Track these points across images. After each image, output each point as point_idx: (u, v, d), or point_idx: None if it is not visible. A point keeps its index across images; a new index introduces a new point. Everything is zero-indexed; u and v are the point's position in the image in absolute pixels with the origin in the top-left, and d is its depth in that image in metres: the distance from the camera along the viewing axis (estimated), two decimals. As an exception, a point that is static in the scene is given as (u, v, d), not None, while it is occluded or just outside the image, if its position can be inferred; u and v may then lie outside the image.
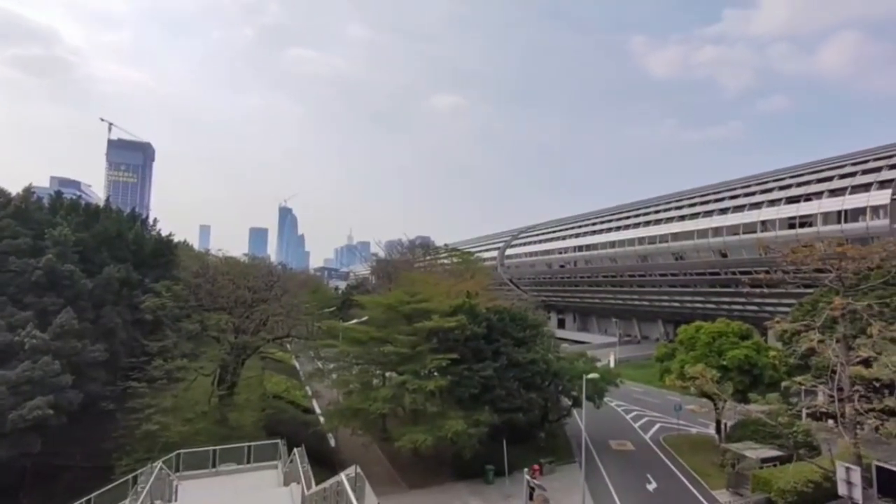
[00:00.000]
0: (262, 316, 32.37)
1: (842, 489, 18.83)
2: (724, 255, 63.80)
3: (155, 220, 36.44)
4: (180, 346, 27.10)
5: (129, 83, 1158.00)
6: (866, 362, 21.30)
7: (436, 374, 27.75)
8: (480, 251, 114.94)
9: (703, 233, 66.14)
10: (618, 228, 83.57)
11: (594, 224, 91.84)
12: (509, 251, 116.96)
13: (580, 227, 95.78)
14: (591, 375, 27.64)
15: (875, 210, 48.00)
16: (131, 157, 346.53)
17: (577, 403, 30.62)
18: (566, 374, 30.49)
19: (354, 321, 36.66)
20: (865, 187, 49.72)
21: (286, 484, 21.17)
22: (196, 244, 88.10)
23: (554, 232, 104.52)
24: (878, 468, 21.71)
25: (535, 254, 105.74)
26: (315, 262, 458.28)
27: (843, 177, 53.14)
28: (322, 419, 31.68)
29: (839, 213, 50.86)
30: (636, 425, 37.34)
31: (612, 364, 53.46)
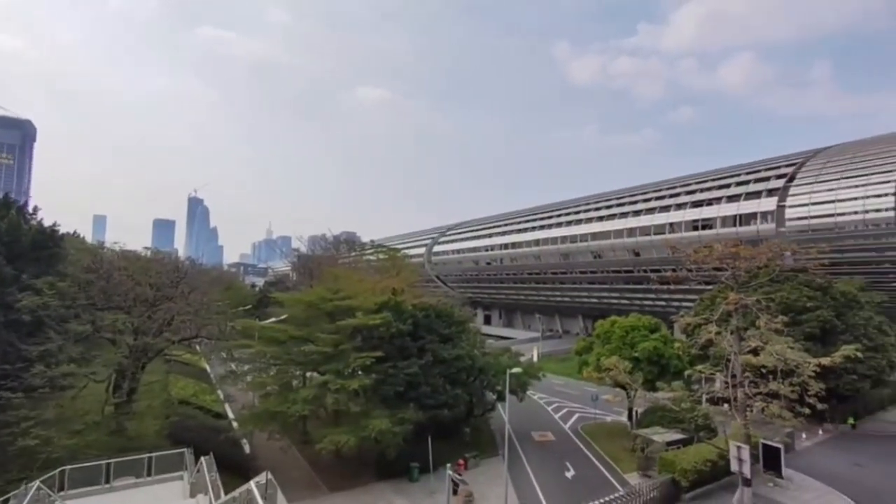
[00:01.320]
0: (167, 315, 29.84)
1: (734, 466, 21.07)
2: (637, 255, 69.01)
3: (35, 209, 32.01)
4: (66, 350, 24.16)
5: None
6: (755, 351, 24.00)
7: (360, 372, 27.19)
8: (408, 248, 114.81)
9: (618, 233, 71.01)
10: (542, 227, 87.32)
11: (520, 223, 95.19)
12: (437, 248, 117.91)
13: (507, 225, 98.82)
14: (515, 370, 28.57)
15: (764, 215, 54.30)
16: (6, 136, 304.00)
17: (501, 397, 31.49)
18: (491, 369, 31.25)
19: (272, 320, 34.99)
20: (757, 194, 56.09)
21: (192, 495, 19.72)
22: (89, 236, 79.11)
23: (481, 230, 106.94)
24: (764, 445, 24.56)
25: (463, 251, 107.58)
26: (230, 257, 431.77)
27: (738, 184, 59.55)
28: (235, 424, 29.88)
29: (735, 217, 56.94)
30: (557, 416, 39.22)
31: (535, 358, 55.79)
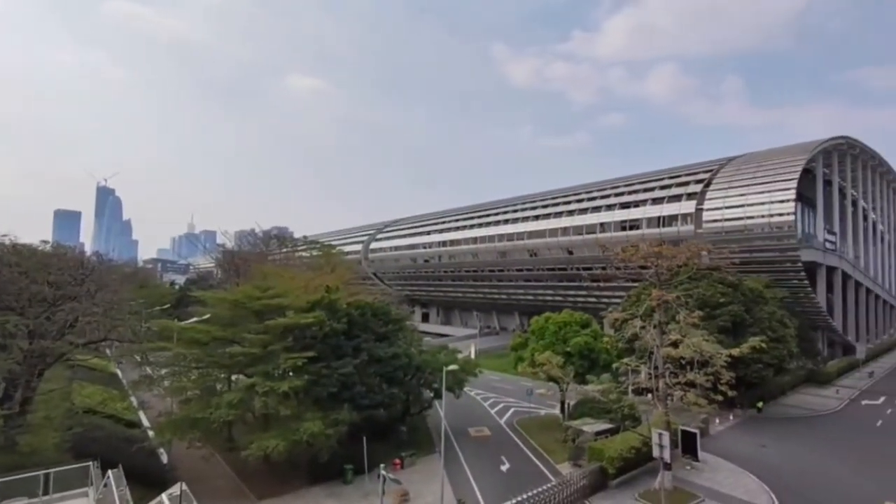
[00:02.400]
0: (69, 316, 27.09)
1: (655, 451, 22.58)
2: (571, 253, 72.09)
3: None
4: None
5: None
6: (675, 344, 25.87)
7: (291, 374, 26.25)
8: (343, 244, 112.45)
9: (553, 232, 73.80)
10: (479, 226, 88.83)
11: (458, 220, 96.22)
12: (374, 245, 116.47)
13: (445, 223, 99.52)
14: (452, 367, 28.82)
15: (685, 217, 58.61)
16: None
17: (438, 395, 31.65)
18: (428, 366, 31.31)
19: (194, 320, 32.85)
20: (678, 198, 60.42)
21: (99, 514, 18.01)
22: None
23: (419, 227, 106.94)
24: (682, 431, 26.53)
25: (401, 248, 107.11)
26: (146, 252, 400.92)
27: (662, 188, 63.82)
28: (152, 433, 27.71)
29: (659, 218, 61.02)
30: (493, 411, 40.08)
31: (472, 355, 56.63)
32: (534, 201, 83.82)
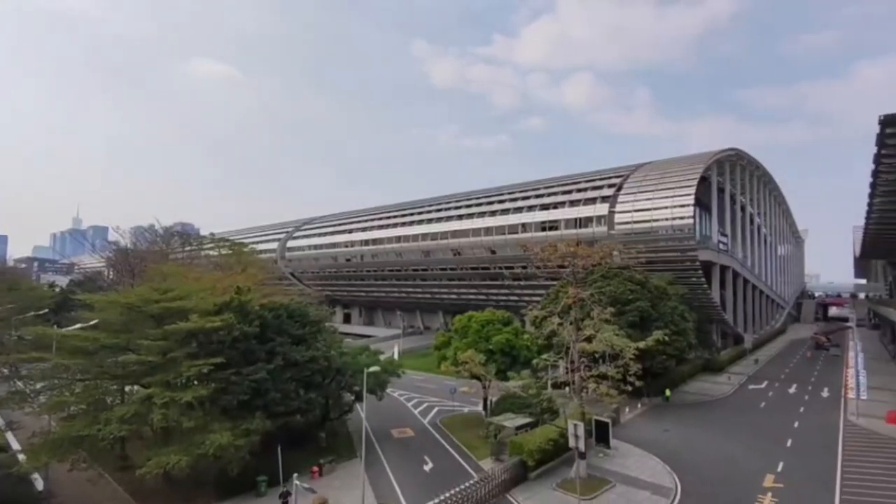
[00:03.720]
0: None
1: (571, 442, 23.77)
2: (494, 252, 74.12)
3: None
4: None
5: None
6: (589, 339, 27.44)
7: (195, 382, 24.38)
8: (257, 242, 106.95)
9: (476, 232, 75.45)
10: (403, 224, 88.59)
11: (381, 219, 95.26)
12: (291, 243, 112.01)
13: (367, 221, 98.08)
14: (373, 369, 28.41)
15: (599, 219, 62.58)
16: None
17: (359, 398, 31.04)
18: (349, 369, 30.60)
19: (78, 326, 29.45)
20: (593, 201, 64.36)
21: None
22: None
23: (340, 225, 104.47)
24: (596, 421, 28.16)
25: (321, 247, 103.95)
26: (18, 250, 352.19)
27: (578, 191, 67.66)
28: (22, 457, 24.35)
29: (576, 219, 64.61)
30: (416, 412, 40.07)
31: (396, 356, 56.13)
32: (458, 201, 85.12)
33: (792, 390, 47.11)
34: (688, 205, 55.64)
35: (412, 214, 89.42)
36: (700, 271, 57.51)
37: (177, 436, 23.29)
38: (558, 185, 72.26)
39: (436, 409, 40.55)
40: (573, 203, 66.15)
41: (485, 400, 36.94)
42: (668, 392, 42.97)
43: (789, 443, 31.41)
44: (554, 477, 25.80)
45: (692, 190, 56.08)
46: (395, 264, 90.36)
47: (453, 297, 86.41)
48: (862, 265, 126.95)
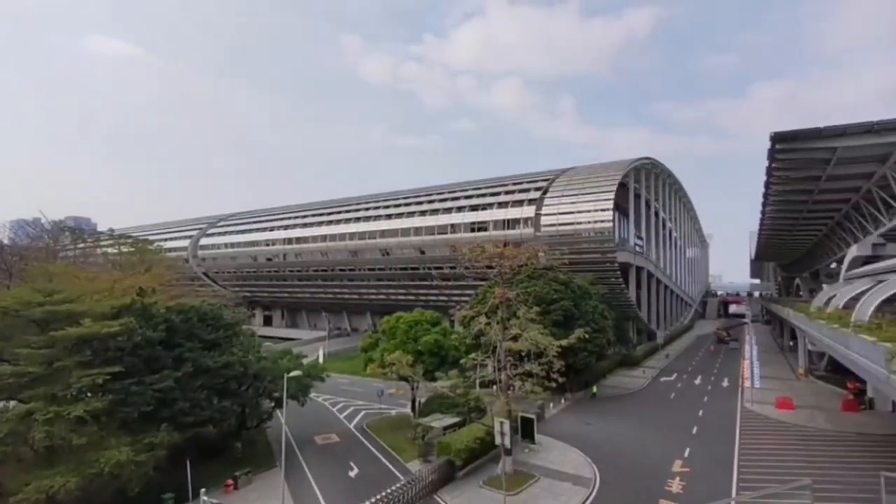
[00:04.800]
0: None
1: (497, 439, 24.23)
2: (423, 253, 74.21)
3: None
4: None
5: None
6: (515, 338, 28.18)
7: (88, 394, 22.04)
8: (165, 240, 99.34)
9: (406, 231, 75.17)
10: (329, 223, 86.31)
11: (306, 217, 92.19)
12: (205, 241, 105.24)
13: (291, 218, 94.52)
14: (294, 373, 27.36)
15: (526, 221, 64.72)
16: None
17: (280, 404, 29.70)
18: (268, 374, 29.18)
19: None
20: (520, 203, 66.43)
21: None
22: None
23: (261, 222, 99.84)
24: (521, 418, 28.94)
25: (239, 245, 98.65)
26: None
27: (507, 193, 69.55)
28: None
29: (504, 221, 66.36)
30: (342, 416, 39.07)
31: (321, 359, 54.54)
32: (387, 200, 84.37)
33: (697, 381, 51.47)
34: (608, 209, 59.03)
35: (339, 213, 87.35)
36: (618, 272, 61.24)
37: (65, 455, 20.87)
38: (487, 187, 73.85)
39: (362, 413, 39.79)
40: (501, 205, 67.89)
41: (413, 401, 36.80)
42: (594, 388, 45.34)
43: (695, 430, 34.22)
44: (481, 475, 26.20)
45: (612, 195, 59.58)
46: (320, 264, 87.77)
47: (382, 297, 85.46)
48: (757, 267, 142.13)
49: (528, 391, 26.85)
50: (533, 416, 28.96)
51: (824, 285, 55.56)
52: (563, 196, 63.28)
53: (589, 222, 60.01)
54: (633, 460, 28.42)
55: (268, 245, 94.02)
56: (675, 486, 24.74)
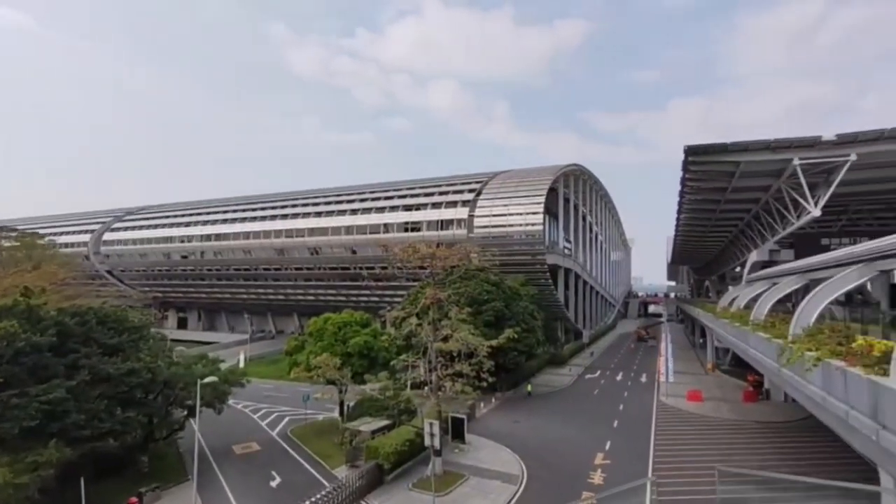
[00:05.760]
0: None
1: (427, 441, 24.17)
2: (354, 252, 72.86)
3: None
4: None
5: None
6: (446, 339, 28.33)
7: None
8: (59, 234, 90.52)
9: (336, 230, 73.43)
10: (254, 219, 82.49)
11: (227, 212, 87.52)
12: (110, 236, 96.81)
13: (210, 214, 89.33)
14: (209, 379, 25.68)
15: (459, 222, 65.42)
16: None
17: (193, 413, 27.80)
18: (180, 381, 27.18)
19: None
20: (454, 204, 67.08)
21: None
22: None
23: (176, 217, 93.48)
24: (452, 418, 29.14)
25: (150, 241, 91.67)
26: None
27: (441, 194, 69.98)
28: None
29: (438, 221, 66.69)
30: (264, 423, 37.32)
31: (241, 363, 51.91)
32: (317, 197, 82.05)
33: (619, 378, 54.53)
34: (539, 212, 61.07)
35: (265, 209, 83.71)
36: (548, 273, 63.55)
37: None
38: (421, 188, 73.91)
39: (287, 419, 38.24)
40: (435, 206, 68.19)
41: (341, 405, 35.89)
42: (529, 386, 46.75)
43: (616, 424, 36.17)
44: (411, 477, 26.00)
45: (542, 199, 61.73)
46: (243, 263, 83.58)
47: (310, 298, 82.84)
48: (673, 270, 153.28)
49: (458, 391, 27.06)
50: (463, 417, 29.23)
51: (730, 287, 60.96)
52: (496, 198, 64.67)
53: (520, 225, 61.74)
54: (558, 455, 29.48)
55: (184, 242, 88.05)
56: (597, 478, 25.95)
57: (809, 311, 19.31)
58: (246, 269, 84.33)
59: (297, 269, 79.77)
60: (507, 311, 45.00)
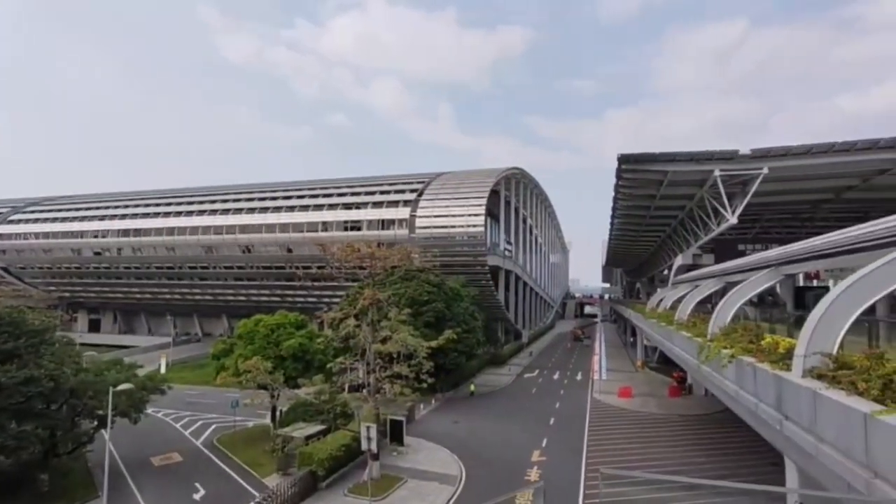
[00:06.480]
0: None
1: (364, 445, 23.96)
2: (290, 251, 70.68)
3: None
4: None
5: None
6: (384, 340, 28.21)
7: None
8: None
9: (271, 227, 70.92)
10: (178, 214, 78.00)
11: (147, 206, 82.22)
12: (7, 229, 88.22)
13: (127, 207, 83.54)
14: (123, 386, 23.99)
15: (401, 222, 65.15)
16: None
17: (104, 423, 25.88)
18: (89, 389, 25.23)
19: None
20: (396, 204, 66.75)
21: None
22: None
23: (88, 209, 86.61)
24: (390, 420, 29.06)
25: (56, 235, 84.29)
26: None
27: (382, 193, 69.42)
28: None
29: (380, 221, 66.09)
30: (187, 432, 35.38)
31: (163, 368, 49.03)
32: (251, 192, 78.87)
33: (556, 376, 56.53)
34: (480, 214, 62.06)
35: (191, 203, 79.30)
36: (489, 275, 64.71)
37: None
38: (362, 186, 73.00)
39: (213, 427, 36.49)
40: (376, 205, 67.59)
41: (273, 410, 34.73)
42: (472, 386, 47.47)
43: (552, 421, 37.49)
44: (347, 483, 25.60)
45: (484, 201, 62.79)
46: (166, 260, 78.73)
47: (241, 299, 79.48)
48: (607, 272, 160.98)
49: (397, 393, 27.00)
50: (402, 419, 29.24)
51: (658, 289, 64.97)
52: (438, 199, 65.04)
53: (462, 226, 62.46)
54: (497, 454, 30.12)
55: (97, 237, 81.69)
56: (534, 475, 26.77)
57: (726, 312, 20.98)
58: (169, 268, 79.52)
59: (227, 267, 76.26)
60: (447, 312, 45.39)
